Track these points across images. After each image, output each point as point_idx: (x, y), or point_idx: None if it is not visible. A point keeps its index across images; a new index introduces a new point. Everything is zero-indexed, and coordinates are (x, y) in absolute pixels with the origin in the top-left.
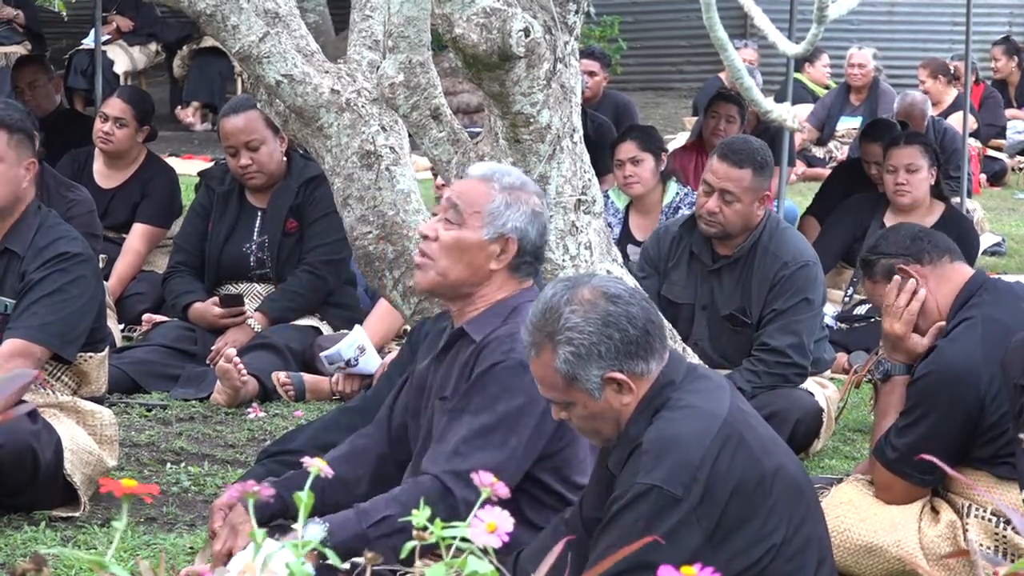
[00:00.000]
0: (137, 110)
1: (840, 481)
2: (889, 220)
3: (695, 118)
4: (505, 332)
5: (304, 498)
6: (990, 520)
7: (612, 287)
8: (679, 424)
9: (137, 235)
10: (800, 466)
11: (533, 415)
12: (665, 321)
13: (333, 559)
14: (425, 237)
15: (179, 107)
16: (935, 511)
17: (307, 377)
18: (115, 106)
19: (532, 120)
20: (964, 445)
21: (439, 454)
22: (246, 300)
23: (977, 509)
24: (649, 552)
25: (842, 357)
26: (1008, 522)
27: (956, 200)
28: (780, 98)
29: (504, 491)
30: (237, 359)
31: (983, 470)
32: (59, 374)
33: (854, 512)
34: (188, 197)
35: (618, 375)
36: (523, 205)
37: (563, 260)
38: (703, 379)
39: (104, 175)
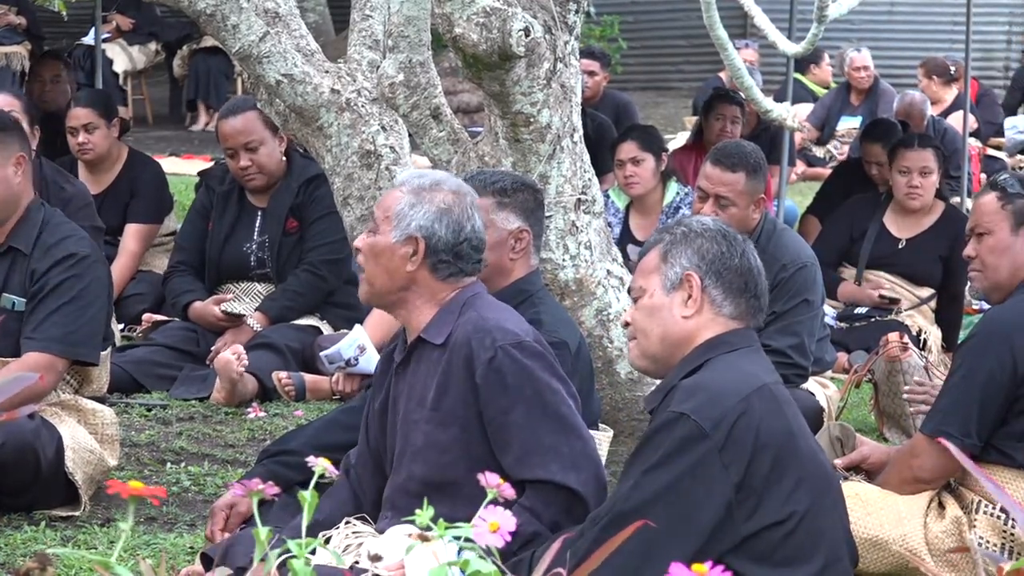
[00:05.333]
0: (101, 108)
1: (844, 479)
2: (888, 221)
3: (695, 118)
4: (472, 328)
5: (308, 497)
6: (999, 517)
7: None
8: (718, 376)
9: (131, 235)
10: (832, 467)
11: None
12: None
13: (336, 560)
14: (358, 251)
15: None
16: (942, 506)
17: (307, 377)
18: (80, 115)
19: (532, 120)
20: (1001, 407)
21: (531, 463)
22: (246, 299)
23: (987, 505)
24: (680, 491)
25: (842, 357)
26: None
27: (956, 200)
28: (780, 98)
29: (511, 492)
30: (242, 350)
31: (1004, 463)
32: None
33: (861, 506)
34: (188, 197)
35: (695, 276)
36: (428, 204)
37: (563, 259)
38: (759, 354)
39: (91, 181)
